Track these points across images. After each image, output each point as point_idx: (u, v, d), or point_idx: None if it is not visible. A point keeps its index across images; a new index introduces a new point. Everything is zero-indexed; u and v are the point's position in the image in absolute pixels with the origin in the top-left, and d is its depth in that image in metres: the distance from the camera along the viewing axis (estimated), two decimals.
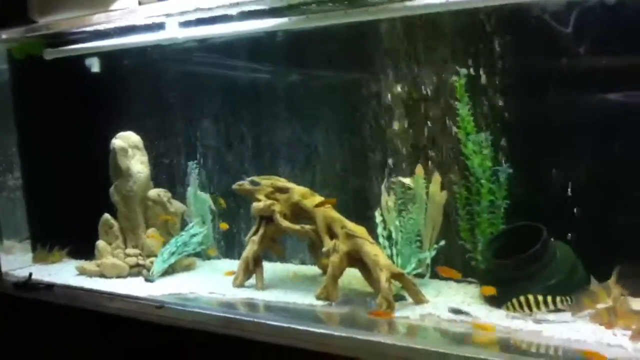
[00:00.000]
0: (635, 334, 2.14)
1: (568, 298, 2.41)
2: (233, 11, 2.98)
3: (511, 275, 2.62)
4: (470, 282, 2.96)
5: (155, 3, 3.12)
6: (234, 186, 3.27)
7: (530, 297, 2.45)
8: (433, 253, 2.97)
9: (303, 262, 3.55)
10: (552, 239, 2.65)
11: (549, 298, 2.42)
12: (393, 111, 3.20)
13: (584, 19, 2.69)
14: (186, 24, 3.29)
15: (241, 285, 3.21)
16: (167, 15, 3.19)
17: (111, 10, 3.30)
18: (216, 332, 2.80)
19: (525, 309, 2.46)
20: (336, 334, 2.49)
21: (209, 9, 2.99)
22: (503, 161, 2.90)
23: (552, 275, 2.55)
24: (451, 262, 3.00)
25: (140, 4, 3.19)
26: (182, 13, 3.12)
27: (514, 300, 2.49)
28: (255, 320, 2.74)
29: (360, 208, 3.24)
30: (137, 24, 3.33)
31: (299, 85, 3.52)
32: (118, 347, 3.17)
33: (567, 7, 2.71)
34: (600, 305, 2.39)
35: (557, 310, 2.44)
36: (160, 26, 3.34)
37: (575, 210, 2.77)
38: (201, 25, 3.30)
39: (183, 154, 3.98)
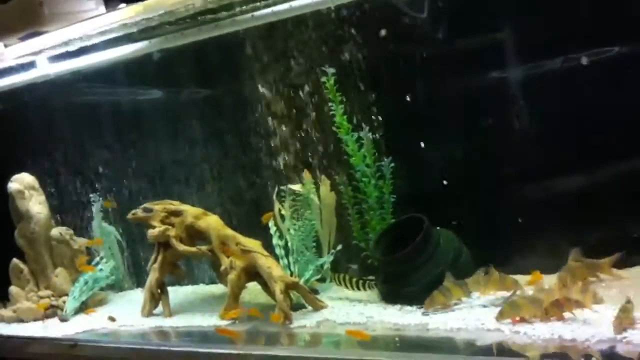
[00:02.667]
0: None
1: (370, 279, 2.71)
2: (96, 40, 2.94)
3: (399, 270, 2.61)
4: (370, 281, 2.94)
5: (19, 44, 3.06)
6: (128, 216, 3.22)
7: (341, 276, 2.79)
8: (331, 257, 2.96)
9: (213, 282, 3.51)
10: (436, 228, 2.66)
11: (354, 280, 2.73)
12: (274, 120, 3.19)
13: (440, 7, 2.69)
14: (56, 58, 3.23)
15: (149, 314, 3.17)
16: (36, 53, 3.14)
17: None
18: None
19: (340, 283, 2.78)
20: (227, 351, 2.47)
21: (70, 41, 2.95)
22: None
23: (438, 264, 2.55)
24: (350, 262, 3.01)
25: (5, 46, 3.13)
26: (50, 48, 3.08)
27: (335, 276, 2.81)
28: (160, 348, 2.75)
29: (258, 220, 3.20)
30: (8, 65, 3.27)
31: (180, 104, 3.50)
32: None
33: None
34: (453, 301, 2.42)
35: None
36: (32, 65, 3.29)
37: (457, 196, 2.79)
38: (72, 58, 3.26)
39: (81, 187, 3.93)
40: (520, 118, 2.60)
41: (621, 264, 2.42)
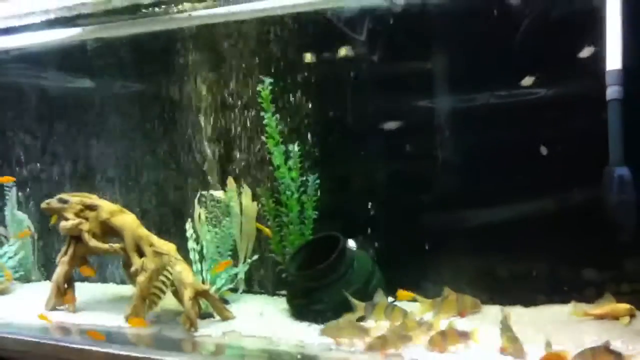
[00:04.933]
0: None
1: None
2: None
3: (311, 286, 2.59)
4: (282, 296, 2.92)
5: None
6: (42, 205, 3.10)
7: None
8: (246, 267, 2.92)
9: (124, 282, 3.41)
10: (352, 249, 2.65)
11: None
12: (204, 124, 3.14)
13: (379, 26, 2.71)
14: None
15: (53, 308, 3.05)
16: None
17: None
18: (15, 357, 2.70)
19: None
20: (125, 353, 2.40)
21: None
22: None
23: (349, 285, 2.54)
24: (265, 275, 2.98)
25: None
26: None
27: None
28: (58, 343, 2.64)
29: (179, 222, 3.14)
30: None
31: (112, 99, 3.40)
32: None
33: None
34: None
35: None
36: None
37: (380, 219, 2.80)
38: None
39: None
40: (442, 147, 2.63)
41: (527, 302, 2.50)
